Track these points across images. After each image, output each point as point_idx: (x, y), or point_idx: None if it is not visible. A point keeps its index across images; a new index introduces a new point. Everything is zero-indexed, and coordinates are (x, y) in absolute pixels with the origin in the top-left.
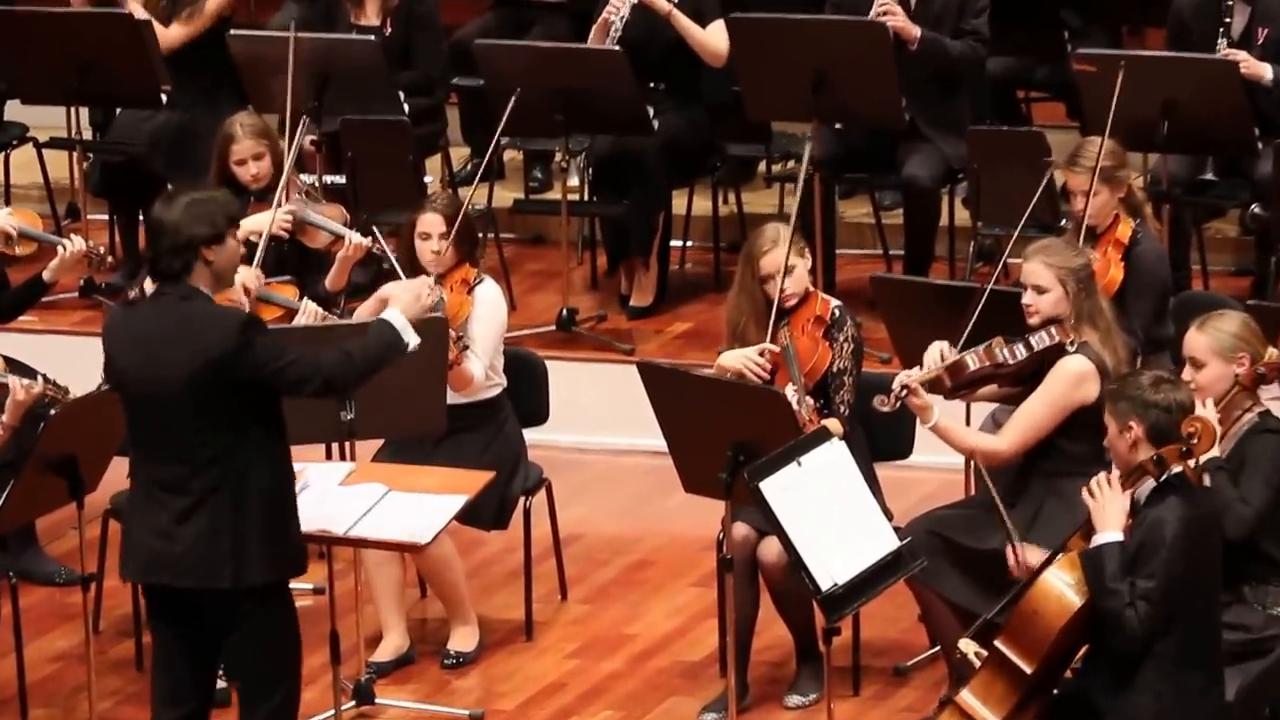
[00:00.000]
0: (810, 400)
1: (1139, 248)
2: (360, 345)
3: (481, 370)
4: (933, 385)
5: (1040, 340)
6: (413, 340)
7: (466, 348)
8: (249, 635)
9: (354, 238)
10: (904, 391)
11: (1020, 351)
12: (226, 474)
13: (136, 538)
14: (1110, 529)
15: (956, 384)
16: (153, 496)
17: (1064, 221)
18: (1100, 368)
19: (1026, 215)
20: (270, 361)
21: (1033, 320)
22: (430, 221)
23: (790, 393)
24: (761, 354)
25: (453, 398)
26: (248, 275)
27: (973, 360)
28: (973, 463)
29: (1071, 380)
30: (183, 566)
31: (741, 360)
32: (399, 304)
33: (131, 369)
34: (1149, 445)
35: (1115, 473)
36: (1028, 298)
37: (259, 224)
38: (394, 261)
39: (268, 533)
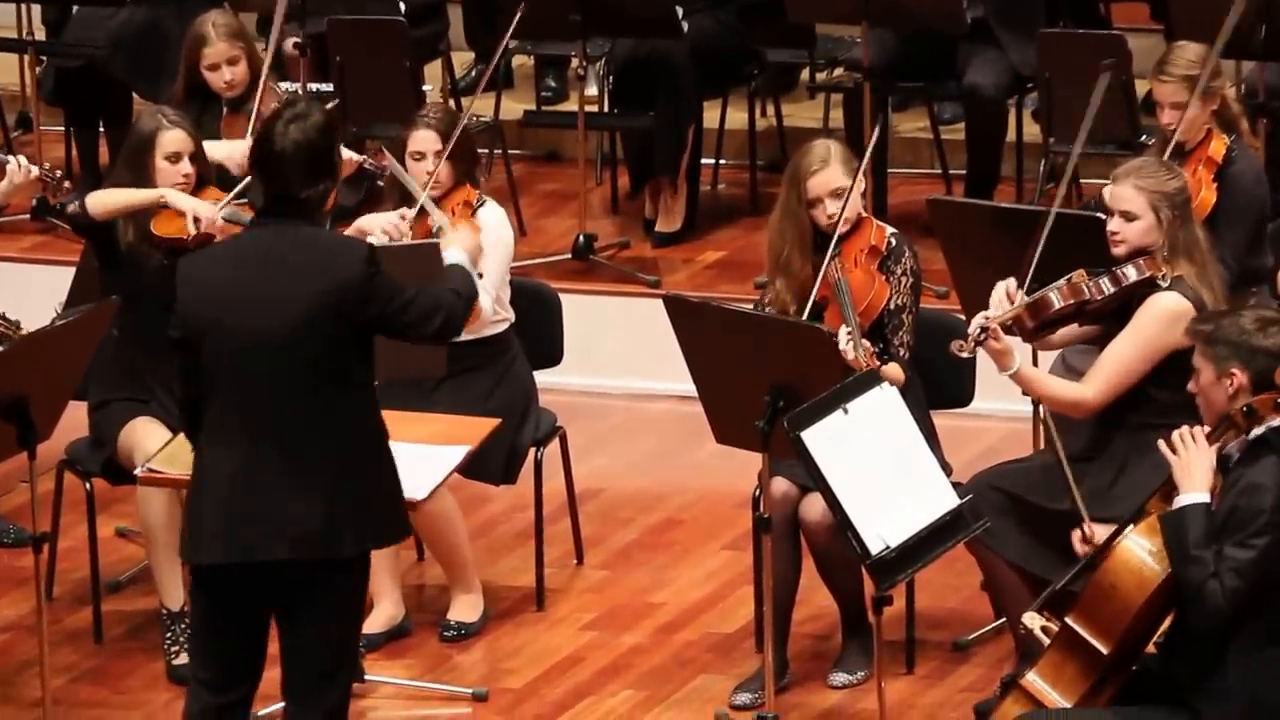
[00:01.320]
0: (867, 344)
1: (1234, 167)
2: (458, 285)
3: (489, 304)
4: (1011, 326)
5: (1128, 274)
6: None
7: (480, 276)
8: (328, 613)
9: (342, 153)
10: (983, 335)
11: (1107, 286)
12: (339, 428)
13: (228, 512)
14: (1195, 489)
15: (1039, 324)
16: (251, 462)
17: (1144, 137)
18: (1197, 306)
19: (1089, 124)
20: (395, 296)
21: (1118, 251)
22: (423, 139)
23: (843, 335)
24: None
25: None
26: (201, 206)
27: (1057, 297)
28: (1043, 412)
29: (1165, 319)
30: (296, 536)
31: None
32: (458, 244)
33: (231, 312)
34: (1252, 394)
35: (1200, 426)
36: (1114, 224)
37: (230, 150)
38: (404, 173)
39: (380, 493)
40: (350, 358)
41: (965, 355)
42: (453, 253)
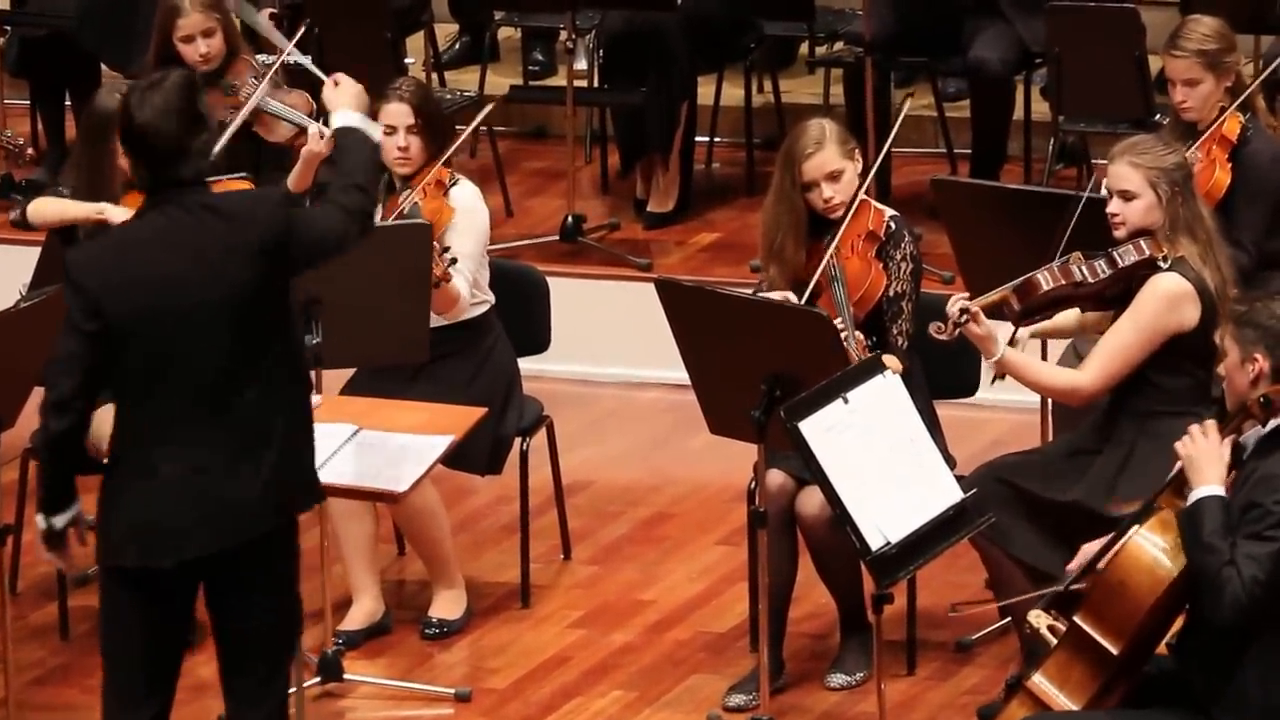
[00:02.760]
0: (860, 336)
1: (1249, 147)
2: (350, 165)
3: (467, 288)
4: (998, 310)
5: (1127, 255)
6: (375, 131)
7: (455, 261)
8: (276, 583)
9: (322, 130)
10: (964, 317)
11: (1102, 269)
12: (285, 386)
13: (196, 504)
14: (1208, 483)
15: (1026, 307)
16: (205, 446)
17: (1158, 116)
18: (1199, 287)
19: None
20: (309, 227)
21: (1119, 232)
22: (395, 113)
23: (836, 326)
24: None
25: (432, 320)
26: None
27: (1046, 279)
28: (1050, 401)
29: (1164, 302)
30: (275, 506)
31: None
32: (343, 102)
33: (160, 295)
34: (1272, 384)
35: (1212, 420)
36: (1113, 205)
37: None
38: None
39: (311, 452)
40: (285, 310)
41: (942, 338)
42: (341, 115)
